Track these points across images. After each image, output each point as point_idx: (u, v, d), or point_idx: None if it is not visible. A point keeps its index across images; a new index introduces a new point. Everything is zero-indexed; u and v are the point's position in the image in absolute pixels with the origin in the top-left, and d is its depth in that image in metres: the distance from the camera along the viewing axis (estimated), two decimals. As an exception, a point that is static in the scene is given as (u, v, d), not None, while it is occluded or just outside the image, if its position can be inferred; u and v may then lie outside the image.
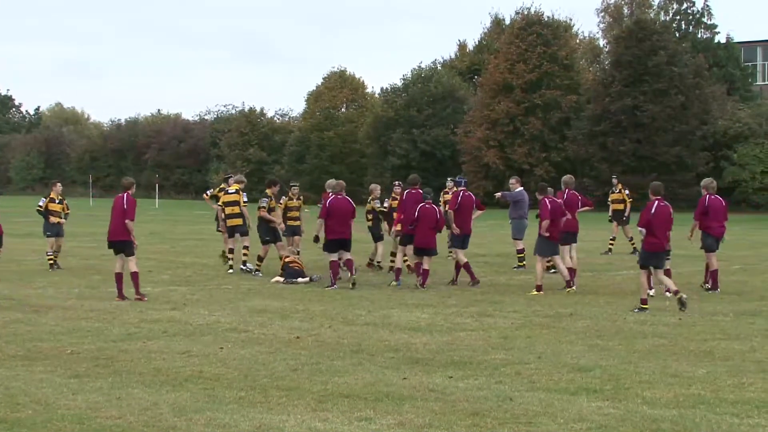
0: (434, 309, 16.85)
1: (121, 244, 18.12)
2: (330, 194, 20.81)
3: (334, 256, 20.17)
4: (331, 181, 21.94)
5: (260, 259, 22.77)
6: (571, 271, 19.85)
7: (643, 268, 17.08)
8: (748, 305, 17.37)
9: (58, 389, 10.53)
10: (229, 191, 23.64)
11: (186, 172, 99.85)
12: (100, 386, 10.68)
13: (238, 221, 23.17)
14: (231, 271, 22.98)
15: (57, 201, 24.69)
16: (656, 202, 17.28)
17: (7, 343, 13.34)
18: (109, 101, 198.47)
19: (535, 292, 18.93)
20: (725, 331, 14.38)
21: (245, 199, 23.37)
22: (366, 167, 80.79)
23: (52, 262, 24.01)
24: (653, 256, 17.07)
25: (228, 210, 23.31)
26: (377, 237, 23.95)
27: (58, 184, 25.35)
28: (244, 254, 23.11)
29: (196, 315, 16.09)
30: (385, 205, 23.96)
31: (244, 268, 22.92)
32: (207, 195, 26.68)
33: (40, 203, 24.52)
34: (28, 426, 9.08)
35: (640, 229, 17.34)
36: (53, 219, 24.31)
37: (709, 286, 19.74)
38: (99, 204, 66.36)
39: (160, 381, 10.95)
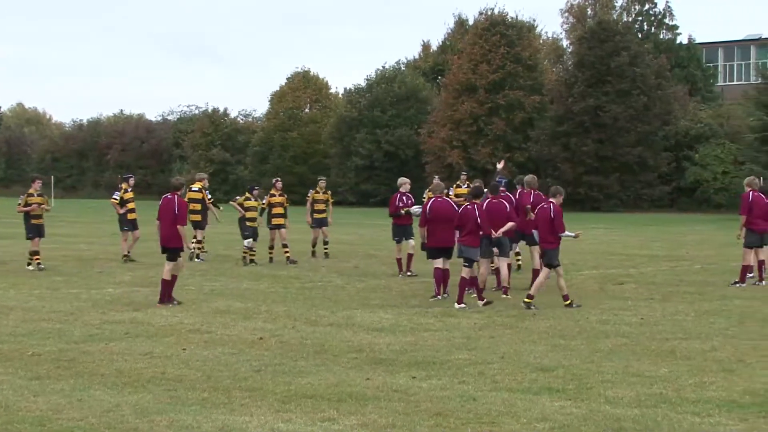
0: (397, 309, 16.84)
1: (172, 249, 17.66)
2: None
3: (438, 263, 18.25)
4: (436, 184, 19.84)
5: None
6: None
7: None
8: (709, 305, 17.49)
9: (18, 391, 10.44)
10: (193, 189, 26.05)
11: (148, 173, 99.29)
12: (62, 388, 10.60)
13: (199, 217, 25.79)
14: (198, 260, 25.79)
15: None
16: (751, 192, 20.35)
17: (-33, 345, 13.22)
18: (71, 102, 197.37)
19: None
20: (687, 331, 14.49)
21: (209, 196, 26.37)
22: (329, 167, 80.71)
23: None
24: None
25: (191, 207, 25.01)
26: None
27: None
28: (198, 246, 26.14)
29: (158, 316, 16.01)
30: (263, 201, 26.07)
31: (196, 256, 25.88)
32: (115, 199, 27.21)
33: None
34: (-13, 429, 9.00)
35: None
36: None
37: (761, 282, 20.40)
38: (61, 204, 65.74)
39: (122, 382, 10.89)
